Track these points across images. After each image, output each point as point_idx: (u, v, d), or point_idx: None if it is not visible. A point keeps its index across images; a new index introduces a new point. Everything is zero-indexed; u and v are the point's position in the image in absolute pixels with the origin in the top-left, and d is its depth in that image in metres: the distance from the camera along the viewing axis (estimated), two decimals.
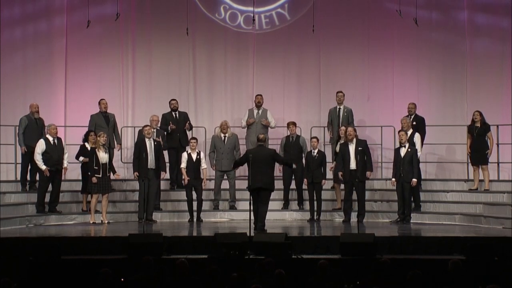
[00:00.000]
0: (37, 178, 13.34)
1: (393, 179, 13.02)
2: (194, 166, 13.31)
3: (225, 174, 14.01)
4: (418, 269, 7.89)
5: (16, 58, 15.09)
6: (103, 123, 13.83)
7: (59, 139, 13.21)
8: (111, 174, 13.05)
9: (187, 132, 14.38)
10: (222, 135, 14.04)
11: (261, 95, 14.73)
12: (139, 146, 13.13)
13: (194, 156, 13.36)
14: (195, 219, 13.34)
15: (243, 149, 14.23)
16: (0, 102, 14.36)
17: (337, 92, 14.53)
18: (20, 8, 15.15)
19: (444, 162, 15.15)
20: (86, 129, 13.85)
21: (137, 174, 13.02)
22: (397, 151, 13.07)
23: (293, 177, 13.90)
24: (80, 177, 13.64)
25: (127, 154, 15.13)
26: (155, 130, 13.75)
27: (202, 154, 13.51)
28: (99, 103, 14.02)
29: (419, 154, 13.29)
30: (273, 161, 11.79)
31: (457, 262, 8.24)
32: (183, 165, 13.36)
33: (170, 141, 14.14)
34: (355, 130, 13.28)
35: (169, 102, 14.44)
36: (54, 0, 15.48)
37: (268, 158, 11.68)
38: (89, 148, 13.13)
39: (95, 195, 12.82)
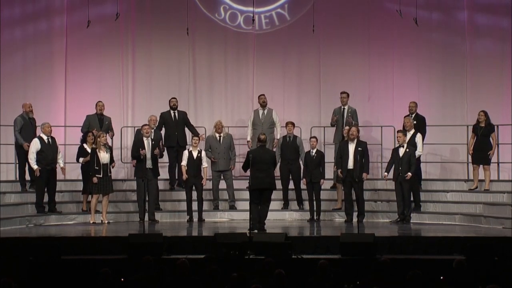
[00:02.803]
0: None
1: (386, 173, 13.03)
2: (194, 164, 13.30)
3: (222, 174, 14.00)
4: (418, 269, 7.89)
5: (16, 58, 15.09)
6: (97, 125, 13.79)
7: (53, 139, 13.20)
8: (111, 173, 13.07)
9: (187, 133, 14.36)
10: (217, 135, 14.03)
11: (264, 95, 14.69)
12: (138, 146, 13.10)
13: (195, 154, 13.35)
14: (195, 219, 13.33)
15: (241, 148, 14.24)
16: (0, 102, 14.36)
17: (341, 93, 14.46)
18: (20, 8, 15.16)
19: (444, 162, 15.15)
20: (80, 129, 13.84)
21: (141, 150, 12.91)
22: (395, 150, 13.07)
23: (291, 177, 13.90)
24: (80, 177, 13.66)
25: (127, 154, 15.12)
26: (153, 131, 13.74)
27: (203, 153, 13.49)
28: (96, 104, 14.02)
29: (419, 153, 13.29)
30: (274, 162, 11.88)
31: (461, 262, 8.24)
32: (184, 162, 13.35)
33: (168, 141, 14.13)
34: (358, 131, 13.28)
35: (169, 101, 14.42)
36: (54, 0, 15.48)
37: (270, 159, 11.81)
38: (88, 149, 13.13)
39: (95, 195, 12.82)
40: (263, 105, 14.57)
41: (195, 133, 14.18)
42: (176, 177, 14.33)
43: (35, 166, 12.88)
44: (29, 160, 12.94)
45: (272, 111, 14.59)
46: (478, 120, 13.56)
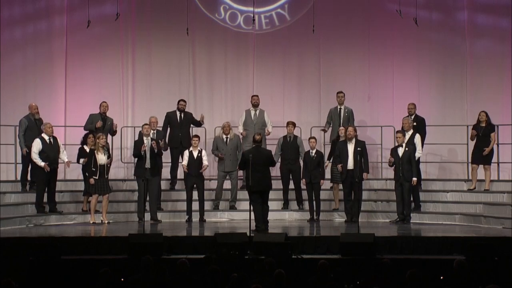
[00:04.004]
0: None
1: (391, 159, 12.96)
2: (195, 164, 13.31)
3: (227, 175, 14.01)
4: (418, 269, 7.90)
5: (16, 58, 15.09)
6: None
7: (54, 138, 13.19)
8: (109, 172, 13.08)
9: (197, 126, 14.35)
10: (224, 136, 14.04)
11: (257, 95, 14.68)
12: (138, 145, 13.08)
13: (195, 154, 13.36)
14: (195, 219, 13.34)
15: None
16: (0, 102, 14.36)
17: (338, 93, 14.53)
18: (20, 8, 15.16)
19: (444, 162, 15.15)
20: (83, 128, 13.83)
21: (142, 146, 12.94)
22: (394, 151, 13.04)
23: (291, 177, 13.89)
24: (80, 177, 13.66)
25: (127, 154, 15.14)
26: (155, 131, 13.73)
27: (203, 152, 13.50)
28: (100, 105, 14.01)
29: (419, 154, 13.30)
30: (270, 162, 11.84)
31: (462, 262, 8.24)
32: (185, 162, 13.37)
33: (172, 141, 14.13)
34: (355, 130, 13.30)
35: (178, 102, 14.36)
36: (54, 0, 15.48)
37: (266, 159, 11.74)
38: (88, 150, 13.13)
39: (94, 195, 12.82)
40: (255, 105, 14.56)
41: (198, 124, 14.19)
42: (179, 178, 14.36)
43: (42, 164, 12.87)
44: (34, 160, 12.92)
45: (264, 112, 14.57)
46: (479, 120, 13.57)
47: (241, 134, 14.43)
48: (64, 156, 13.27)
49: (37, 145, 12.94)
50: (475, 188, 13.62)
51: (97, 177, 12.76)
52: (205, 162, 13.44)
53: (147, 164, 12.99)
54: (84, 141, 13.44)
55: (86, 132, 13.73)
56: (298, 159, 13.79)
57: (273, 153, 13.81)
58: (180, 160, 14.10)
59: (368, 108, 15.51)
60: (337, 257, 10.03)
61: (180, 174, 14.30)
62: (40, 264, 9.51)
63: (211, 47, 15.83)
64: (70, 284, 9.01)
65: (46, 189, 13.08)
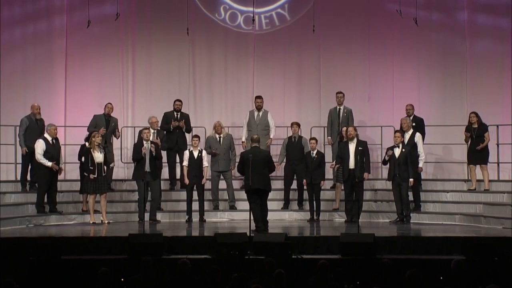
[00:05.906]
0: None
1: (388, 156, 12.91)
2: (195, 164, 13.31)
3: (221, 175, 14.01)
4: (418, 269, 7.89)
5: (16, 58, 15.09)
6: (104, 125, 13.79)
7: (56, 139, 13.18)
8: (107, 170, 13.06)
9: (186, 133, 14.33)
10: (217, 135, 14.03)
11: (261, 98, 14.62)
12: (138, 148, 13.08)
13: (195, 154, 13.36)
14: (195, 219, 13.33)
15: (240, 149, 14.22)
16: (0, 102, 14.36)
17: (337, 93, 14.53)
18: (20, 8, 15.17)
19: (444, 162, 15.15)
20: (86, 129, 13.83)
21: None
22: (390, 150, 12.97)
23: (295, 178, 13.87)
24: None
25: (127, 154, 15.13)
26: (155, 131, 13.71)
27: (204, 153, 13.50)
28: (105, 106, 14.00)
29: (422, 156, 13.28)
30: (268, 163, 11.77)
31: (460, 262, 8.24)
32: (185, 163, 13.37)
33: (168, 142, 14.10)
34: (355, 130, 13.30)
35: (174, 102, 14.38)
36: (54, 0, 15.49)
37: (264, 159, 11.67)
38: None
39: (91, 195, 12.80)
40: (258, 108, 14.52)
41: (188, 130, 14.21)
42: (177, 178, 14.33)
43: (49, 163, 12.84)
44: (41, 161, 12.85)
45: (268, 113, 14.53)
46: (470, 121, 13.57)
47: (244, 146, 14.29)
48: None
49: (41, 145, 12.90)
50: (475, 188, 13.61)
51: (95, 175, 12.75)
52: (205, 163, 13.43)
53: (147, 168, 12.98)
54: (87, 139, 13.41)
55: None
56: (303, 160, 13.72)
57: (277, 153, 13.87)
58: (178, 160, 14.09)
59: (368, 108, 15.51)
60: (337, 257, 10.03)
61: (180, 174, 14.29)
62: (40, 264, 9.51)
63: (211, 47, 15.83)
64: (70, 284, 9.01)
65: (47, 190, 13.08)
